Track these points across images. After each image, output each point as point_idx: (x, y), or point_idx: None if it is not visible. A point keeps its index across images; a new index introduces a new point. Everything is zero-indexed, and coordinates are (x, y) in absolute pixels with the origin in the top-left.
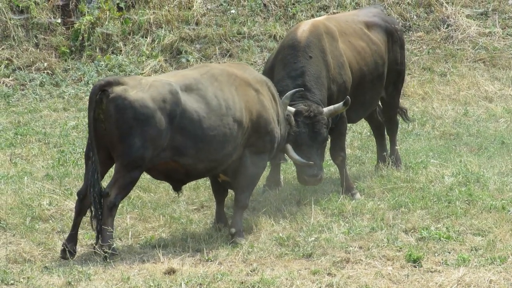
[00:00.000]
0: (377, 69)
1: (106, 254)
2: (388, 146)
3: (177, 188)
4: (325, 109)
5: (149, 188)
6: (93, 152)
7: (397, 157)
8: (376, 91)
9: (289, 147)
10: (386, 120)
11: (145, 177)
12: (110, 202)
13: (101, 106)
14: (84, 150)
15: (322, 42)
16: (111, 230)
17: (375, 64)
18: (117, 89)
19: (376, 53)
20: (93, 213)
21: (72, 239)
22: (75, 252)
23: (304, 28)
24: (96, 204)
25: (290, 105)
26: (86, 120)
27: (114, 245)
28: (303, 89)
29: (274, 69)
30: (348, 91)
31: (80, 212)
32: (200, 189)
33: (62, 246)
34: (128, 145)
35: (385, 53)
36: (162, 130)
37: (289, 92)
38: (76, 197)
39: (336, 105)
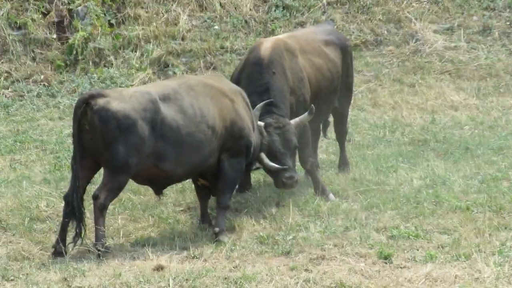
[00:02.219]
0: (333, 83)
1: (100, 252)
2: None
3: (158, 192)
4: (292, 121)
5: (138, 191)
6: (76, 160)
7: (346, 161)
8: (330, 102)
9: (263, 155)
10: (336, 128)
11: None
12: (100, 204)
13: (86, 118)
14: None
15: (283, 59)
16: (103, 229)
17: (331, 79)
18: (100, 101)
19: (332, 69)
20: (75, 216)
21: (62, 239)
22: (66, 251)
23: (266, 45)
24: (77, 207)
25: (259, 119)
26: None
27: (107, 243)
28: (272, 100)
29: (239, 84)
30: (306, 103)
31: (67, 215)
32: (186, 192)
33: (53, 246)
34: (114, 152)
35: (339, 68)
36: (145, 137)
37: (259, 104)
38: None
39: (302, 116)
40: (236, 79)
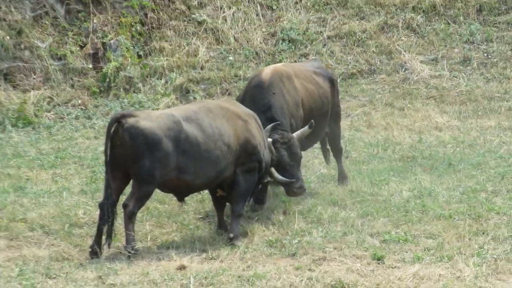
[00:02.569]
0: (323, 108)
1: (130, 254)
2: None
3: (181, 199)
4: (294, 135)
5: (164, 201)
6: (107, 171)
7: (344, 175)
8: (321, 126)
9: (273, 170)
10: (332, 148)
11: (160, 192)
12: (129, 211)
13: (117, 135)
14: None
15: (281, 82)
16: (133, 234)
17: (321, 104)
18: (130, 120)
19: (322, 95)
20: (107, 220)
21: (97, 242)
22: (101, 253)
23: (267, 71)
24: (109, 213)
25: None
26: None
27: (136, 246)
28: (279, 122)
29: (244, 104)
30: (302, 123)
31: (103, 221)
32: (205, 202)
33: (90, 247)
34: (141, 166)
35: (328, 95)
36: (169, 153)
37: (268, 126)
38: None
39: (302, 129)
40: (241, 101)
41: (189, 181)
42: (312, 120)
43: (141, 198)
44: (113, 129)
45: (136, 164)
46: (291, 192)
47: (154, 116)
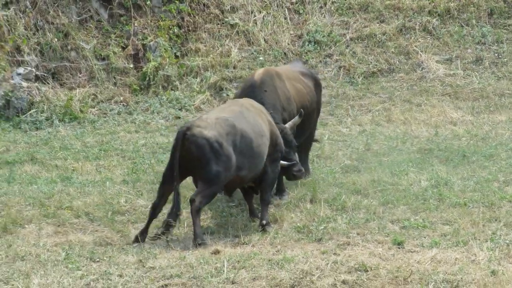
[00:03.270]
0: (311, 105)
1: (199, 245)
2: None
3: (231, 193)
4: (287, 125)
5: None
6: (176, 179)
7: (307, 169)
8: (310, 121)
9: None
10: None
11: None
12: (196, 206)
13: (184, 147)
14: (164, 169)
15: (273, 81)
16: (199, 228)
17: (310, 102)
18: (194, 132)
19: (309, 93)
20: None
21: (144, 233)
22: (144, 241)
23: (259, 72)
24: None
25: None
26: (153, 139)
27: (205, 237)
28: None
29: None
30: (294, 117)
31: (152, 218)
32: (237, 191)
33: (136, 236)
34: (208, 171)
35: (314, 94)
36: (231, 155)
37: None
38: (150, 206)
39: (294, 119)
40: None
41: (244, 177)
42: (301, 110)
43: (208, 196)
44: (181, 140)
45: (203, 170)
46: (291, 176)
47: (212, 123)
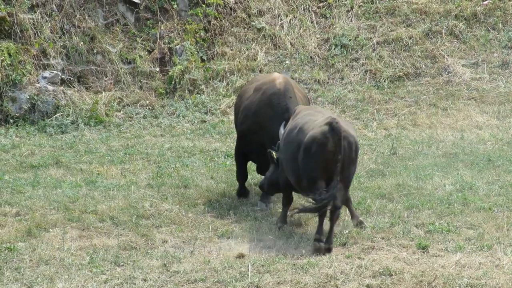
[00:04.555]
0: None
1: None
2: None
3: None
4: None
5: (224, 194)
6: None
7: None
8: None
9: None
10: None
11: (220, 186)
12: (339, 210)
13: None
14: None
15: (292, 88)
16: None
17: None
18: (345, 131)
19: (305, 103)
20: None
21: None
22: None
23: (279, 80)
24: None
25: None
26: (179, 143)
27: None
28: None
29: (259, 112)
30: None
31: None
32: (259, 195)
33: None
34: (352, 171)
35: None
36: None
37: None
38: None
39: None
40: (255, 110)
41: None
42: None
43: (345, 199)
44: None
45: (349, 170)
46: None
47: (344, 123)
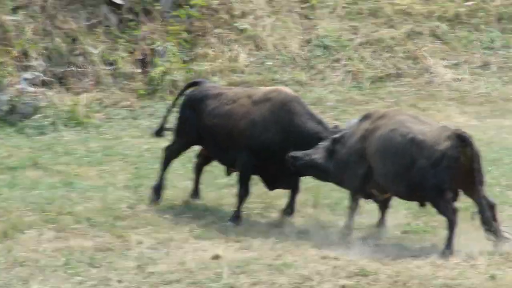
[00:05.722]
0: None
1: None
2: None
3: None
4: None
5: (201, 195)
6: None
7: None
8: None
9: None
10: None
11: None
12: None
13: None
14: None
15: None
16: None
17: None
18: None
19: None
20: None
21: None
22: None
23: (287, 91)
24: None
25: None
26: (158, 144)
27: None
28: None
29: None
30: None
31: None
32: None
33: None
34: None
35: None
36: None
37: None
38: None
39: None
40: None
41: None
42: None
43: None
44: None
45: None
46: None
47: None
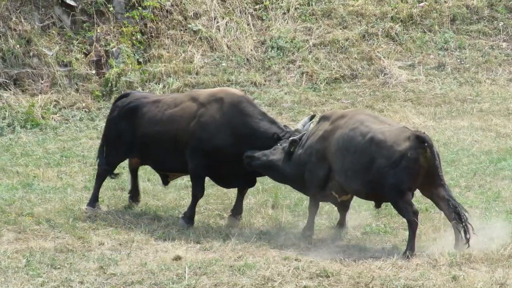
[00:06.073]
0: None
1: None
2: None
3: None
4: None
5: (159, 197)
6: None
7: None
8: None
9: None
10: None
11: (157, 188)
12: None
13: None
14: None
15: None
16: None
17: None
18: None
19: None
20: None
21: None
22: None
23: (235, 91)
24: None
25: None
26: None
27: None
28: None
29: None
30: None
31: None
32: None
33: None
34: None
35: None
36: None
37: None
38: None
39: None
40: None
41: None
42: None
43: None
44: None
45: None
46: None
47: None
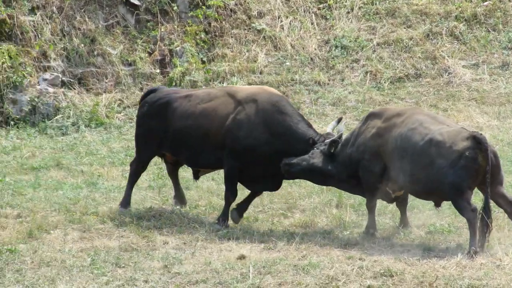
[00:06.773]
0: None
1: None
2: None
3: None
4: None
5: (223, 196)
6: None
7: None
8: None
9: None
10: None
11: (221, 187)
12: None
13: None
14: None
15: None
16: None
17: None
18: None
19: None
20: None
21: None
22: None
23: (274, 90)
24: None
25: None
26: None
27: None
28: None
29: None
30: None
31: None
32: (263, 196)
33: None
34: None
35: None
36: None
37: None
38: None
39: None
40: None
41: None
42: None
43: None
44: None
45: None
46: None
47: None
